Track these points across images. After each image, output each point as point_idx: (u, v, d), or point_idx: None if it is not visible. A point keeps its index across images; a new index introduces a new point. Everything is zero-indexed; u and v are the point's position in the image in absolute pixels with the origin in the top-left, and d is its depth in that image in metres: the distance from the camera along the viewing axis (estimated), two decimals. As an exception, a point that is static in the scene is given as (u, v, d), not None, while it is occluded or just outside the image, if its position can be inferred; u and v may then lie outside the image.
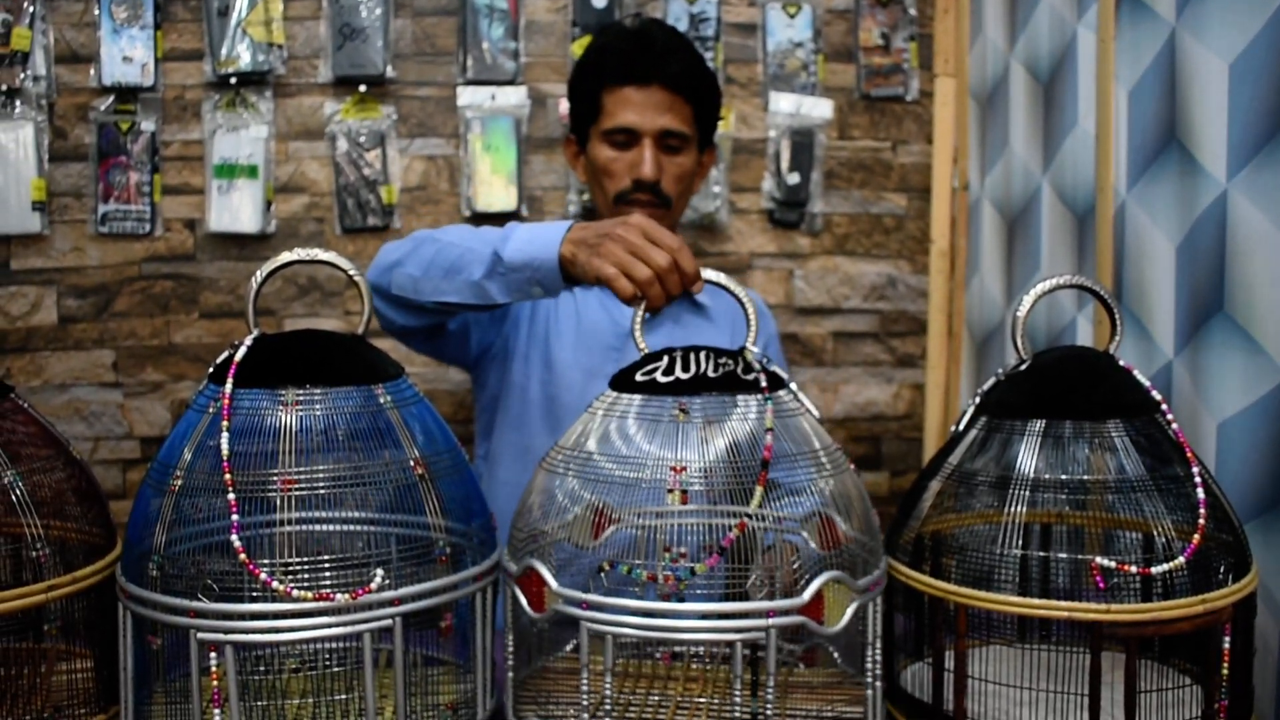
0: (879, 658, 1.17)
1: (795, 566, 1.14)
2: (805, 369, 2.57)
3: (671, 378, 1.13)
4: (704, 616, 1.05)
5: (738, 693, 1.06)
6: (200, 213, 2.38)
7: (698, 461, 1.09)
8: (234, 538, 1.01)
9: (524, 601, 1.12)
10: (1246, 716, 1.17)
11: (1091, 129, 1.79)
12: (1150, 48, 1.60)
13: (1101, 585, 1.10)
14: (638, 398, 1.14)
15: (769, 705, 1.07)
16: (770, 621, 1.05)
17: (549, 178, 2.46)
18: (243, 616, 1.01)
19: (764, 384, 1.14)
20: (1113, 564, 1.10)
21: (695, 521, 1.21)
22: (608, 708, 1.08)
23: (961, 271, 2.48)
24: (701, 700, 1.28)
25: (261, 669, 1.28)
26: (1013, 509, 1.16)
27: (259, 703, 1.20)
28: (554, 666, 1.32)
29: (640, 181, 1.83)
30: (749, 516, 1.07)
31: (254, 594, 1.02)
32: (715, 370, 1.14)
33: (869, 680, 1.17)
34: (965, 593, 1.15)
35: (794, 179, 2.52)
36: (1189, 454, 1.17)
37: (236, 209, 2.36)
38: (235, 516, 1.02)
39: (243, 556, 1.00)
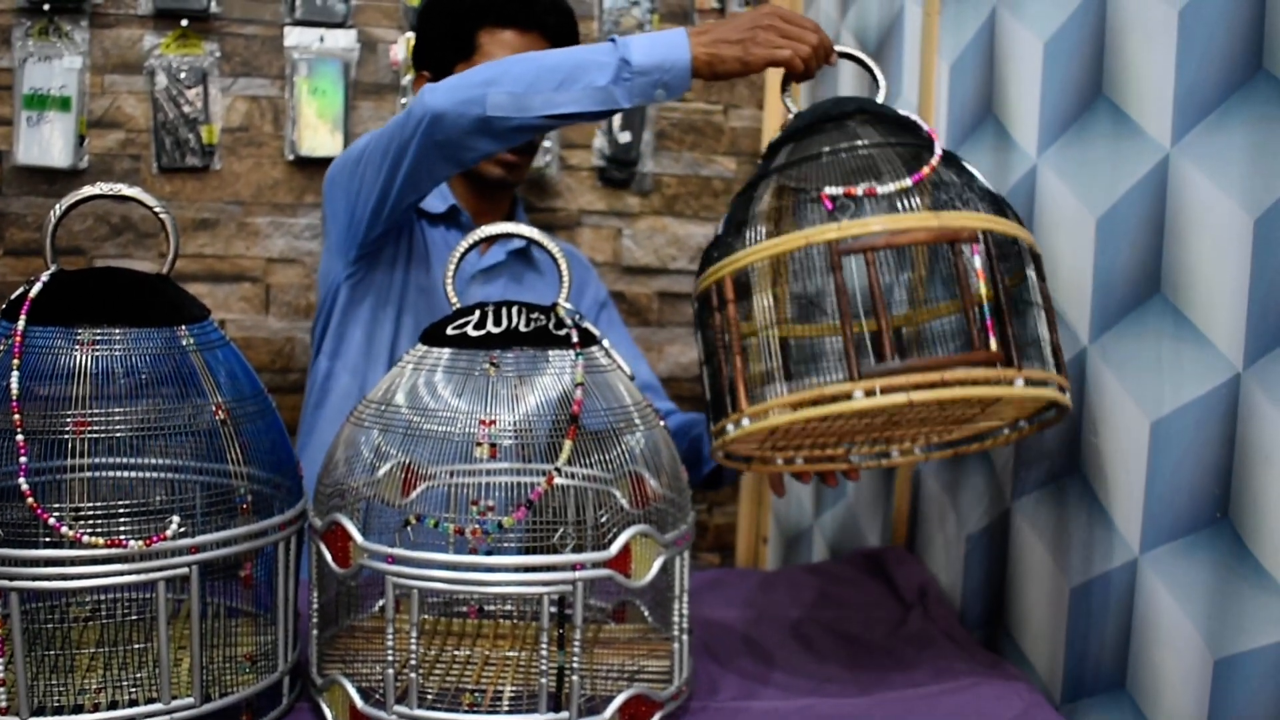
0: (686, 611, 1.18)
1: (604, 520, 1.14)
2: (631, 328, 2.57)
3: (483, 331, 1.13)
4: (512, 570, 1.05)
5: (545, 646, 1.07)
6: (8, 145, 2.27)
7: (508, 416, 1.09)
8: (21, 481, 0.97)
9: (329, 557, 1.10)
10: (1039, 358, 1.19)
11: (914, 100, 1.83)
12: (972, 23, 1.63)
13: (830, 207, 1.14)
14: (447, 351, 1.13)
15: (575, 659, 1.07)
16: (578, 574, 1.06)
17: (377, 124, 2.41)
18: (29, 562, 0.98)
19: (575, 339, 1.14)
20: (839, 190, 1.14)
21: (505, 479, 1.21)
22: (414, 664, 1.07)
23: (787, 236, 2.51)
24: (510, 655, 1.28)
25: (56, 617, 1.24)
26: (762, 188, 1.24)
27: (49, 653, 1.17)
28: (362, 624, 1.31)
29: None
30: (557, 471, 1.07)
31: (45, 540, 0.99)
32: (527, 325, 1.13)
33: (675, 634, 1.18)
34: (721, 264, 1.21)
35: (625, 138, 2.52)
36: (937, 141, 1.24)
37: (47, 142, 2.26)
38: (23, 459, 0.98)
39: (30, 500, 0.97)
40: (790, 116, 1.35)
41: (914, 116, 1.29)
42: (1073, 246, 1.35)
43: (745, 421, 1.17)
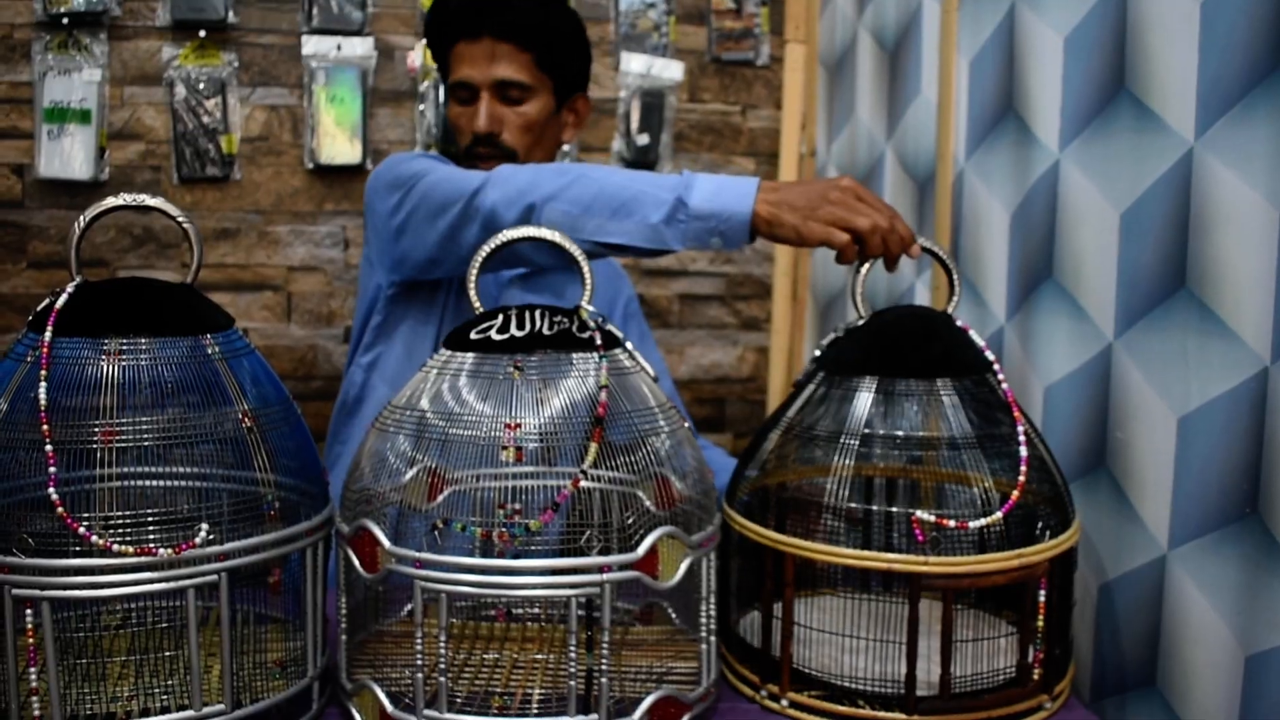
0: (713, 613, 1.18)
1: (630, 522, 1.14)
2: (651, 330, 2.58)
3: (506, 335, 1.13)
4: (539, 573, 1.05)
5: (573, 648, 1.06)
6: (29, 158, 2.29)
7: (532, 419, 1.09)
8: (51, 491, 0.98)
9: (357, 562, 1.11)
10: (1065, 666, 1.22)
11: (933, 98, 1.83)
12: (991, 19, 1.63)
13: (921, 538, 1.13)
14: (471, 355, 1.13)
15: (604, 661, 1.07)
16: (605, 577, 1.05)
17: (395, 131, 2.43)
18: (60, 572, 0.98)
19: (599, 342, 1.14)
20: (931, 518, 1.14)
21: (532, 483, 1.21)
22: (443, 668, 1.07)
23: (807, 236, 2.51)
24: (538, 658, 1.28)
25: (86, 625, 1.24)
26: (842, 461, 1.19)
27: (80, 661, 1.17)
28: (390, 629, 1.31)
29: (478, 135, 1.81)
30: (583, 473, 1.07)
31: (75, 550, 0.99)
32: (550, 328, 1.13)
33: (702, 635, 1.18)
34: (793, 543, 1.18)
35: (644, 140, 2.52)
36: (1016, 412, 1.21)
37: (68, 155, 2.27)
38: (53, 469, 0.98)
39: (60, 510, 0.97)
40: (860, 319, 1.31)
41: (989, 354, 1.27)
42: (1096, 242, 1.35)
43: (785, 703, 1.20)
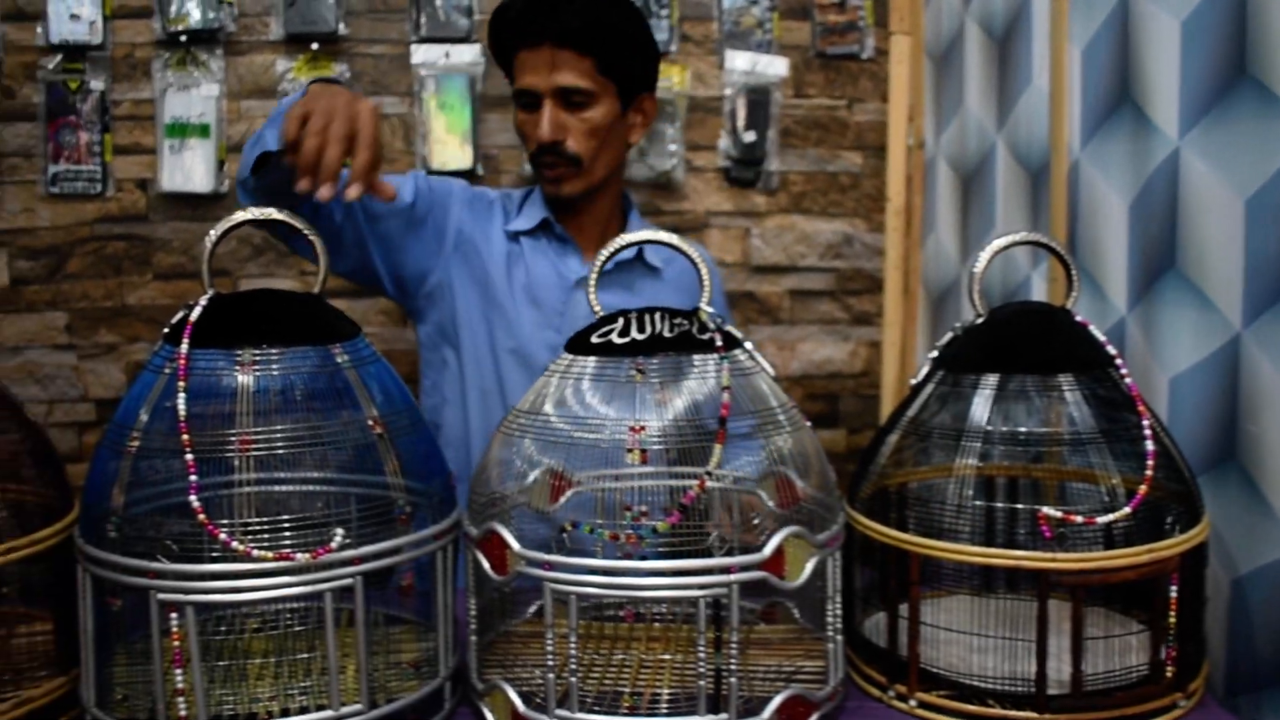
0: (839, 612, 1.18)
1: (755, 522, 1.15)
2: (762, 327, 2.58)
3: (627, 339, 1.14)
4: (667, 574, 1.06)
5: (702, 649, 1.07)
6: (152, 172, 2.35)
7: (656, 421, 1.10)
8: (192, 498, 1.01)
9: (486, 565, 1.12)
10: (1198, 663, 1.20)
11: (1045, 87, 1.80)
12: (1103, 6, 1.61)
13: (1048, 534, 1.12)
14: (593, 359, 1.14)
15: (732, 661, 1.08)
16: (733, 577, 1.06)
17: (504, 136, 2.45)
18: (202, 577, 1.01)
19: (719, 343, 1.15)
20: (1059, 514, 1.12)
21: (655, 483, 1.22)
22: (572, 668, 1.08)
23: (917, 229, 2.49)
24: (665, 658, 1.29)
25: (223, 629, 1.28)
26: (964, 461, 1.18)
27: (220, 663, 1.20)
28: (518, 630, 1.33)
29: (542, 144, 1.82)
30: (709, 474, 1.08)
31: (214, 555, 1.02)
32: (671, 330, 1.14)
33: (829, 634, 1.18)
34: (918, 542, 1.18)
35: (750, 137, 2.52)
36: (1140, 406, 1.19)
37: (189, 169, 2.33)
38: (193, 477, 1.01)
39: (201, 517, 1.00)
40: (978, 316, 1.29)
41: (1110, 349, 1.24)
42: (1221, 230, 1.32)
43: (913, 702, 1.19)
